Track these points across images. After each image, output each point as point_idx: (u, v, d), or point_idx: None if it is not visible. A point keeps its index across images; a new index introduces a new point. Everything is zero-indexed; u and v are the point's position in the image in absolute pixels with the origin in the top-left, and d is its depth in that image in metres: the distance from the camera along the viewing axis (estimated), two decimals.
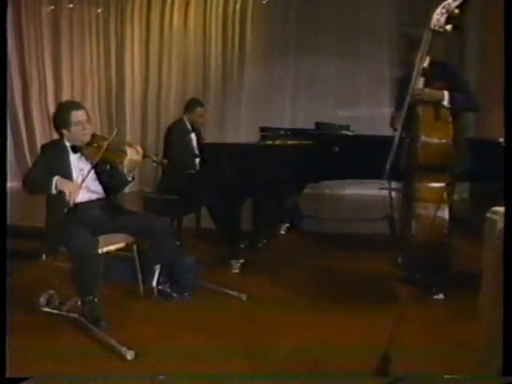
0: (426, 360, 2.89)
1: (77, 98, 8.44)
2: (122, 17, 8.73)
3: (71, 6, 8.58)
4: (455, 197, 4.43)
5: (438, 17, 3.62)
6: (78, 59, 8.76)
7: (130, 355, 2.95)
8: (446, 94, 3.74)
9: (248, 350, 3.09)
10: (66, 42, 8.69)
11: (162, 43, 8.83)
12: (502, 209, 2.29)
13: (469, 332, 2.50)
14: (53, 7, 8.54)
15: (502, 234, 2.22)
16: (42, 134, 8.67)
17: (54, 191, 3.39)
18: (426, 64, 3.76)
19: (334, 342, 3.18)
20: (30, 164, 8.44)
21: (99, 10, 8.67)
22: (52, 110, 8.49)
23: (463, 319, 3.11)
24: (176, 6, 8.73)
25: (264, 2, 8.75)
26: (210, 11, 8.82)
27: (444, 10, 3.60)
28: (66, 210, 3.42)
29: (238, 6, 8.83)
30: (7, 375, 2.08)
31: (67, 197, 3.38)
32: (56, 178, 3.40)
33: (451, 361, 2.81)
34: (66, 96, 8.66)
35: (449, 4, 3.60)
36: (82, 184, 3.49)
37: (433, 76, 3.80)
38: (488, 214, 2.30)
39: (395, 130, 3.96)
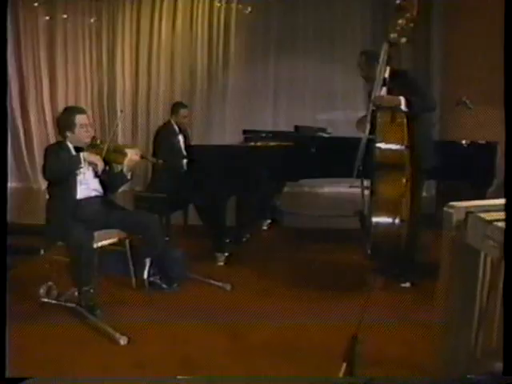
0: (391, 340, 3.04)
1: (71, 102, 8.51)
2: (113, 26, 8.74)
3: (65, 16, 8.60)
4: (424, 193, 4.55)
5: (393, 30, 3.71)
6: (72, 65, 8.76)
7: (123, 340, 3.05)
8: (402, 99, 3.80)
9: (231, 333, 3.21)
10: (60, 50, 8.69)
11: (150, 50, 8.81)
12: (458, 203, 2.41)
13: (429, 316, 2.62)
14: (48, 18, 8.56)
15: (463, 226, 2.34)
16: (39, 136, 8.70)
17: (83, 165, 3.55)
18: (386, 74, 3.85)
19: (310, 326, 3.30)
20: (28, 164, 8.52)
21: (92, 20, 8.68)
22: (48, 113, 8.56)
23: (426, 305, 3.24)
24: (164, 15, 8.73)
25: (246, 11, 8.81)
26: (196, 20, 8.81)
27: (398, 25, 3.70)
28: (68, 205, 3.55)
29: (222, 15, 8.85)
30: (7, 375, 2.04)
31: (98, 167, 3.61)
32: (83, 153, 3.56)
33: (412, 340, 2.95)
34: (60, 100, 8.69)
35: (402, 19, 3.69)
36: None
37: (393, 85, 3.88)
38: (445, 208, 2.40)
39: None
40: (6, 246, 2.18)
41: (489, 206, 2.30)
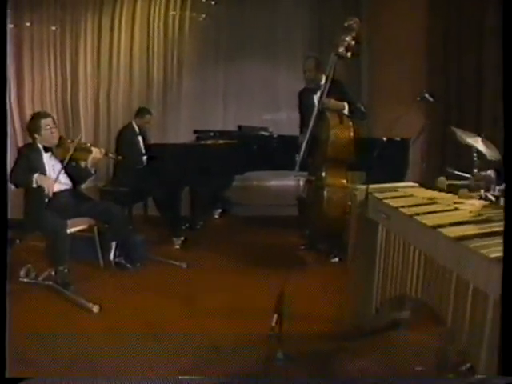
0: (317, 301, 3.52)
1: (37, 105, 8.72)
2: (76, 34, 8.95)
3: (28, 24, 8.76)
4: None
5: (341, 45, 4.19)
6: (37, 70, 8.91)
7: (95, 308, 3.44)
8: (346, 105, 4.35)
9: (187, 302, 3.64)
10: (26, 56, 8.85)
11: (111, 56, 9.06)
12: (361, 186, 2.91)
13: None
14: (12, 26, 8.65)
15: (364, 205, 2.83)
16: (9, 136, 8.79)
17: (34, 185, 3.85)
18: (328, 81, 4.31)
19: (254, 296, 3.69)
20: None
21: (53, 28, 8.86)
22: (16, 116, 8.68)
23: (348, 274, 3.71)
24: (123, 24, 9.02)
25: (200, 19, 9.18)
26: (153, 28, 9.12)
27: (346, 42, 4.19)
28: (43, 199, 3.86)
29: (176, 23, 9.18)
30: (7, 375, 2.01)
31: (46, 190, 3.85)
32: (36, 175, 3.86)
33: (333, 301, 3.39)
34: (27, 103, 8.83)
35: (349, 37, 4.19)
36: (56, 179, 3.97)
37: (333, 90, 4.35)
38: (351, 191, 2.91)
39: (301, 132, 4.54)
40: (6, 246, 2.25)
41: (383, 188, 2.82)
